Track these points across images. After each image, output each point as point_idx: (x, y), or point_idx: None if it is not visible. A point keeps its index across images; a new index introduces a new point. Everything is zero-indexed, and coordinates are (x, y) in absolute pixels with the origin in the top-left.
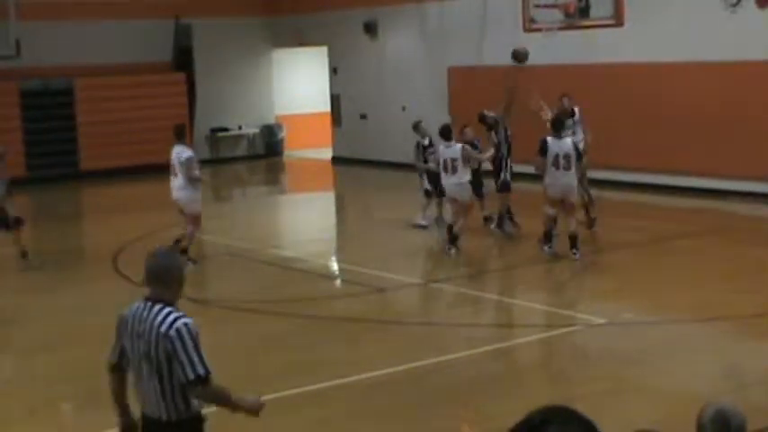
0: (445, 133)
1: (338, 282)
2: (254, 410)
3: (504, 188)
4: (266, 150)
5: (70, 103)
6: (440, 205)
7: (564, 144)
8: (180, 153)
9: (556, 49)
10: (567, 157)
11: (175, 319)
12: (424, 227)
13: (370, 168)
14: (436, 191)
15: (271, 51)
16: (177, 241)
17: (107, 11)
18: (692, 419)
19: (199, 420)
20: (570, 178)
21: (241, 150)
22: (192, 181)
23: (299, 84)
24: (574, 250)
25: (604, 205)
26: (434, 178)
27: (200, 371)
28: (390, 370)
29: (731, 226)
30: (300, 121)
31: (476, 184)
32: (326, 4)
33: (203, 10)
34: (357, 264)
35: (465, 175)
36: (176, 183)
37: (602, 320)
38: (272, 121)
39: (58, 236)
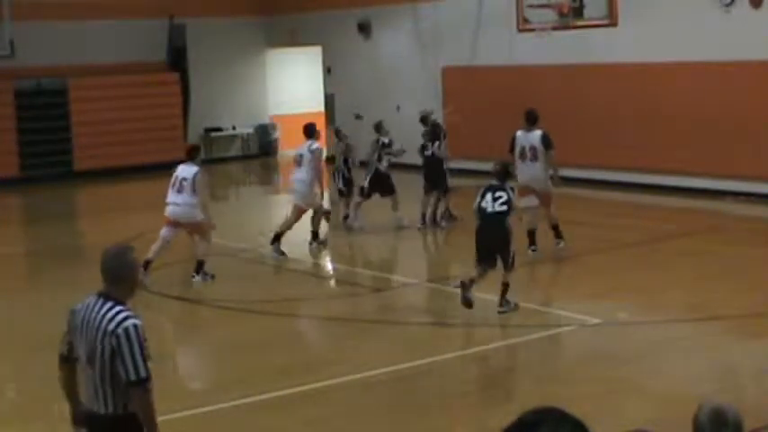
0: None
1: (333, 282)
2: None
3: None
4: (260, 150)
5: (64, 103)
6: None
7: None
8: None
9: (550, 49)
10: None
11: (125, 318)
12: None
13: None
14: (348, 191)
15: (265, 51)
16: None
17: (101, 11)
18: (687, 419)
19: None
20: None
21: (235, 150)
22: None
23: (293, 83)
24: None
25: (602, 205)
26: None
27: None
28: (386, 370)
29: (726, 226)
30: (295, 120)
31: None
32: (320, 4)
33: (197, 9)
34: (352, 264)
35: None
36: (297, 175)
37: (597, 320)
38: (266, 120)
39: (51, 236)
